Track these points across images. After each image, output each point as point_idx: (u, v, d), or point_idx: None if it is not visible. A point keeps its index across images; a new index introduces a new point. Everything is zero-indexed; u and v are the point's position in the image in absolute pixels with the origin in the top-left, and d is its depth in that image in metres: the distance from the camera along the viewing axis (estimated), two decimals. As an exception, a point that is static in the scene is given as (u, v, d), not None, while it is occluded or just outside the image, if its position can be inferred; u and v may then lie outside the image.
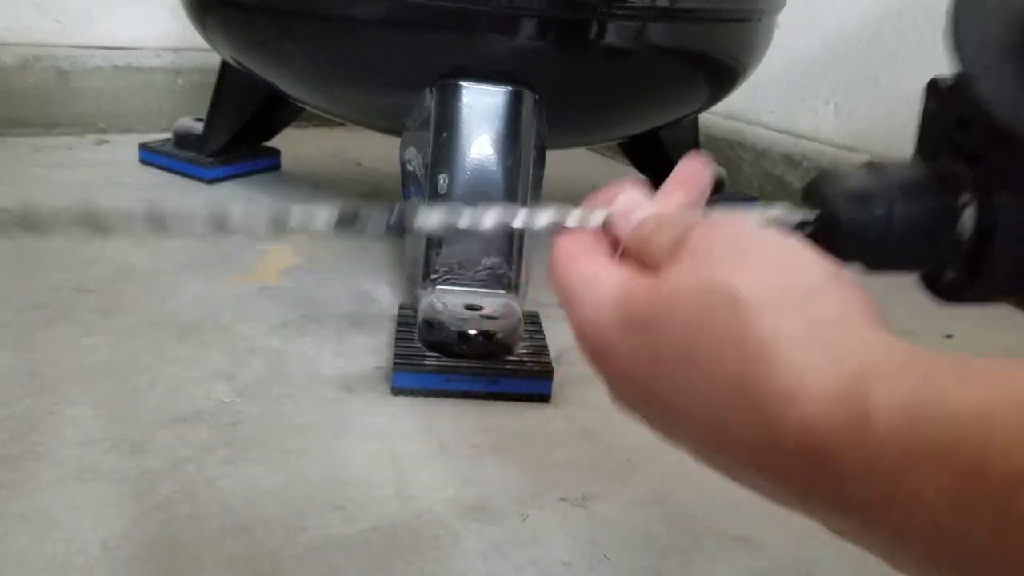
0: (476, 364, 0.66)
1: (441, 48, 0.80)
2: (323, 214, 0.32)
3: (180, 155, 1.12)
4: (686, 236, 0.27)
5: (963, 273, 0.38)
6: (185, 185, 1.08)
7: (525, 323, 0.72)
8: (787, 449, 0.23)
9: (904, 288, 1.04)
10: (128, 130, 1.31)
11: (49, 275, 0.78)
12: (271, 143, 1.21)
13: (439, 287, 0.73)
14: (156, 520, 0.49)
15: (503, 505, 0.54)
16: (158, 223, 0.30)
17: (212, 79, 1.11)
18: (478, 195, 0.77)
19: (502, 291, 0.74)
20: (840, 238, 0.35)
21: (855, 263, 0.37)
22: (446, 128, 0.78)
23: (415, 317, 0.71)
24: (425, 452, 0.59)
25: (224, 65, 1.08)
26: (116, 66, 1.28)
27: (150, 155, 1.14)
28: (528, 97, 0.80)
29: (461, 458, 0.58)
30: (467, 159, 0.77)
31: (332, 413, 0.62)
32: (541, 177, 0.85)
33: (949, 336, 0.86)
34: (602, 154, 1.48)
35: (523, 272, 0.77)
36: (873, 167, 0.37)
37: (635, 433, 0.66)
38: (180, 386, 0.63)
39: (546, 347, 0.70)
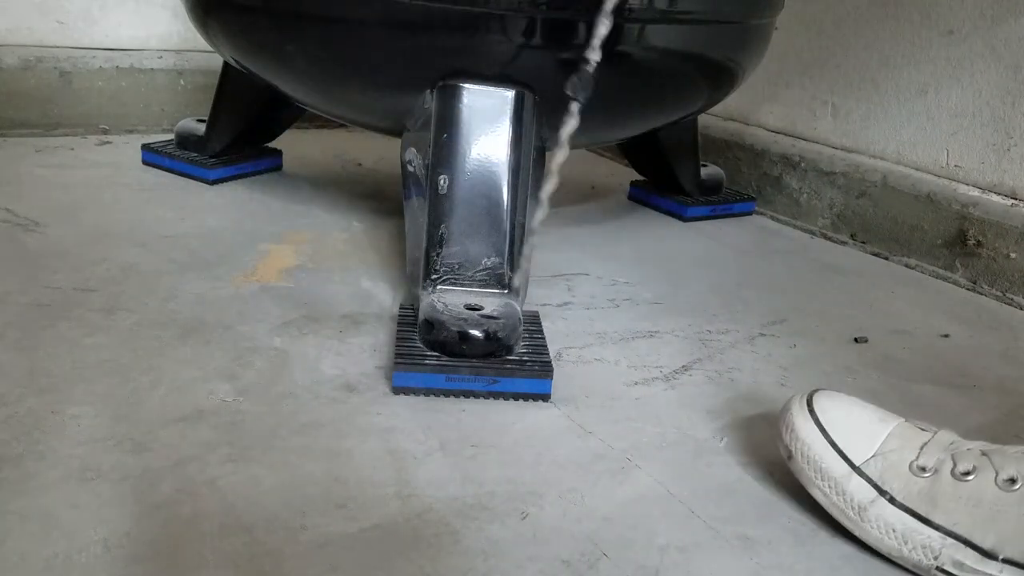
0: (476, 363, 0.66)
1: (441, 50, 0.80)
2: None
3: (182, 156, 1.12)
4: None
5: None
6: (187, 186, 1.08)
7: (525, 323, 0.73)
8: None
9: (903, 289, 1.05)
10: (130, 131, 1.31)
11: (52, 275, 0.79)
12: (273, 144, 1.21)
13: (439, 287, 0.73)
14: (158, 519, 0.50)
15: (503, 503, 0.54)
16: None
17: (214, 80, 1.11)
18: (479, 196, 0.77)
19: (502, 291, 0.74)
20: None
21: None
22: (446, 129, 0.78)
23: (415, 317, 0.71)
24: (425, 451, 0.59)
25: (226, 66, 1.09)
26: (118, 67, 1.29)
27: (152, 156, 1.14)
28: (528, 98, 0.80)
29: (461, 457, 0.59)
30: (467, 160, 0.77)
31: (333, 412, 0.62)
32: (541, 177, 0.85)
33: (946, 335, 0.87)
34: (602, 154, 1.48)
35: (523, 272, 0.77)
36: None
37: (634, 432, 0.67)
38: (182, 385, 0.63)
39: (546, 347, 0.71)
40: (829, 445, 0.55)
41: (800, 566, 0.52)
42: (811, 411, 0.56)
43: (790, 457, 0.56)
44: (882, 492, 0.52)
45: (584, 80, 0.67)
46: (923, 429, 0.55)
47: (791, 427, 0.56)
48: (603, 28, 0.65)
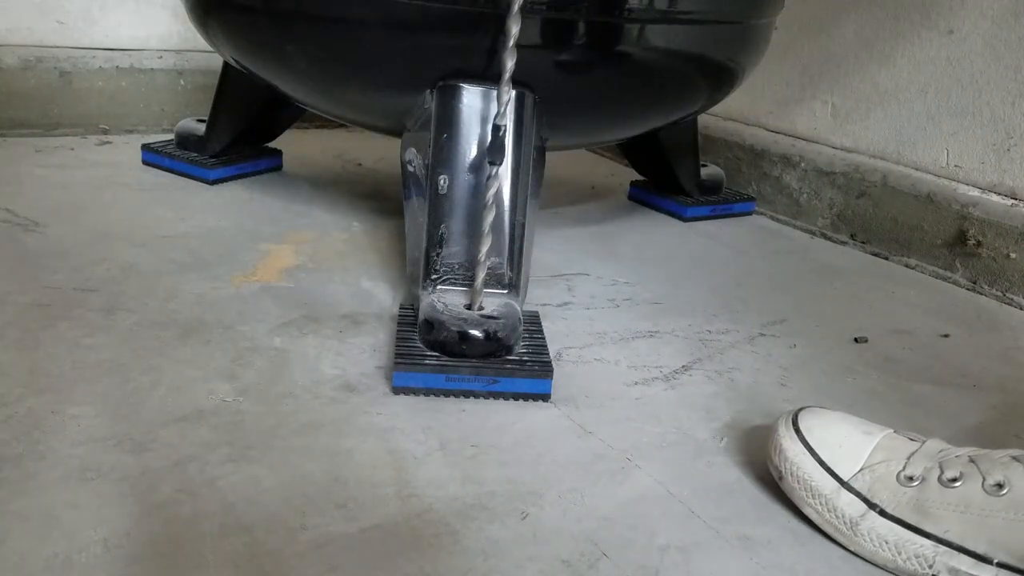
0: (476, 363, 0.66)
1: (441, 50, 0.80)
2: None
3: (182, 156, 1.12)
4: None
5: None
6: (187, 186, 1.08)
7: (525, 323, 0.73)
8: None
9: (903, 289, 1.05)
10: (130, 131, 1.31)
11: (52, 275, 0.79)
12: (273, 144, 1.21)
13: (439, 287, 0.73)
14: (158, 519, 0.50)
15: (503, 503, 0.54)
16: None
17: (214, 80, 1.11)
18: (479, 196, 0.77)
19: (502, 291, 0.74)
20: None
21: None
22: (446, 129, 0.78)
23: (415, 317, 0.71)
24: (425, 451, 0.59)
25: (226, 66, 1.09)
26: (118, 67, 1.29)
27: (152, 156, 1.14)
28: (528, 98, 0.80)
29: (461, 457, 0.59)
30: (467, 160, 0.77)
31: (333, 412, 0.62)
32: (541, 177, 0.85)
33: (946, 335, 0.87)
34: (602, 154, 1.48)
35: (523, 272, 0.77)
36: None
37: (634, 432, 0.67)
38: (182, 386, 0.63)
39: (546, 346, 0.71)
40: (817, 463, 0.55)
41: (800, 566, 0.52)
42: (797, 430, 0.56)
43: (781, 478, 0.57)
44: (872, 505, 0.53)
45: (499, 146, 0.70)
46: (912, 439, 0.55)
47: (779, 448, 0.57)
48: (515, 27, 0.67)
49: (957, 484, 0.51)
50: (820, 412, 0.58)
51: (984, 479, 0.50)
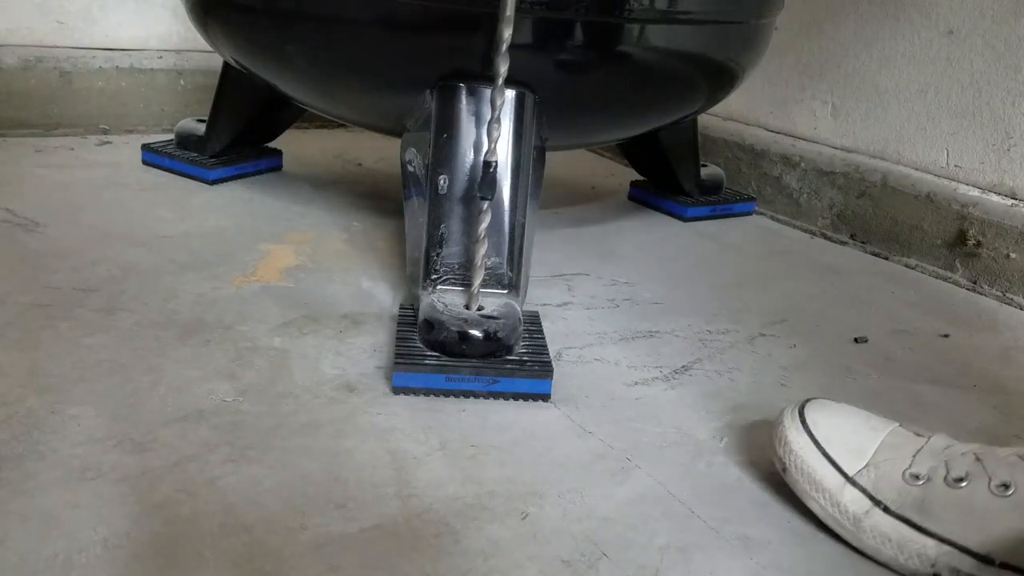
0: (476, 363, 0.66)
1: (441, 50, 0.80)
2: None
3: (182, 156, 1.12)
4: None
5: None
6: (187, 186, 1.08)
7: (525, 323, 0.73)
8: None
9: (903, 289, 1.05)
10: (130, 131, 1.31)
11: (51, 275, 0.79)
12: (273, 144, 1.21)
13: (439, 287, 0.73)
14: (158, 519, 0.50)
15: (503, 503, 0.54)
16: None
17: (214, 80, 1.11)
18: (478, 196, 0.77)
19: (502, 291, 0.74)
20: None
21: None
22: (446, 129, 0.78)
23: (415, 317, 0.71)
24: (425, 451, 0.59)
25: (226, 67, 1.09)
26: (118, 67, 1.29)
27: (152, 156, 1.14)
28: (528, 98, 0.80)
29: (461, 457, 0.59)
30: (467, 160, 0.77)
31: (333, 412, 0.62)
32: (541, 177, 0.85)
33: (946, 335, 0.87)
34: (602, 154, 1.48)
35: (523, 272, 0.77)
36: None
37: (634, 432, 0.67)
38: (182, 386, 0.63)
39: (546, 347, 0.71)
40: (822, 456, 0.55)
41: (800, 566, 0.52)
42: (803, 422, 0.56)
43: (784, 470, 0.56)
44: (876, 502, 0.52)
45: (490, 182, 0.70)
46: (918, 434, 0.55)
47: (784, 440, 0.56)
48: (507, 31, 0.66)
49: (963, 484, 0.50)
50: (826, 404, 0.58)
51: (990, 479, 0.50)
